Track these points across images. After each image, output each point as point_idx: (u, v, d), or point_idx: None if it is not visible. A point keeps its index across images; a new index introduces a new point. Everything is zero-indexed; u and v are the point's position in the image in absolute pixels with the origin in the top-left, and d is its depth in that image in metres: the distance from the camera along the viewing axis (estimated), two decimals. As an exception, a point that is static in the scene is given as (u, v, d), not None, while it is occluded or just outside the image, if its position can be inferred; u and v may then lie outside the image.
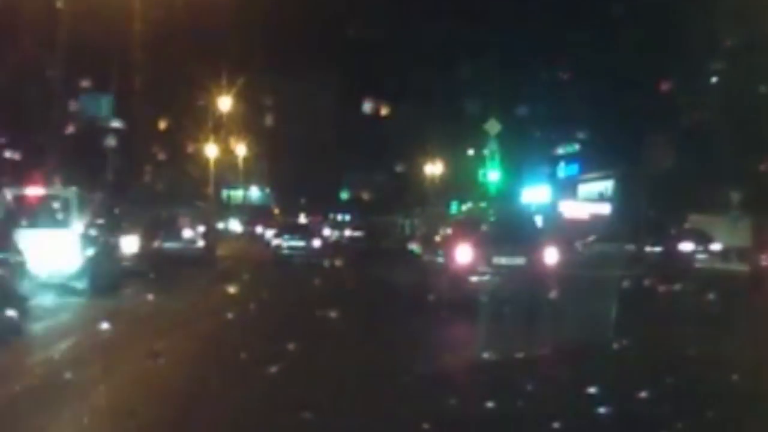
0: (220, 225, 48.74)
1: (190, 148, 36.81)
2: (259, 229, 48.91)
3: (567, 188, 43.81)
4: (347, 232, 44.87)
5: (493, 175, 32.18)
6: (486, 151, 32.87)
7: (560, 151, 47.10)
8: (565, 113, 40.44)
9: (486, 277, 13.68)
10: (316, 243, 31.90)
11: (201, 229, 23.48)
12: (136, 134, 27.54)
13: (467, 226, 16.10)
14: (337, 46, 47.31)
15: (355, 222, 51.45)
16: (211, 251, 24.53)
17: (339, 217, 58.57)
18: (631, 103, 34.96)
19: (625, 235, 30.57)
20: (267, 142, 56.30)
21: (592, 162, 42.29)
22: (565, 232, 34.17)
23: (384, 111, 40.51)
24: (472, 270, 13.73)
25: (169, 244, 21.51)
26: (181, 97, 33.29)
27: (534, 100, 38.89)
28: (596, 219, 35.57)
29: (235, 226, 53.20)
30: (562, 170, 46.78)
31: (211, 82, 40.81)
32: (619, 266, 23.08)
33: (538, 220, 39.43)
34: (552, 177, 46.57)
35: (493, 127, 31.05)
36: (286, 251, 29.60)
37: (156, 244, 20.25)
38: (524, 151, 42.52)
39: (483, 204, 44.84)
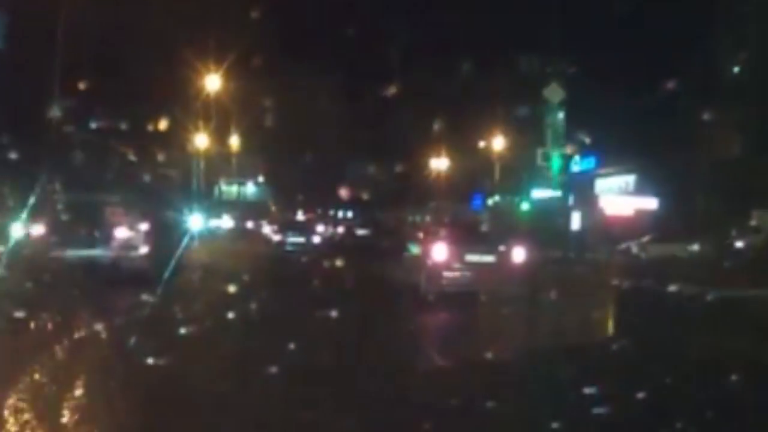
0: (215, 222, 44.19)
1: (154, 123, 28.53)
2: (249, 224, 46.70)
3: (583, 184, 39.03)
4: (340, 229, 44.17)
5: (559, 156, 25.89)
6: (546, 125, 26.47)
7: (573, 144, 42.29)
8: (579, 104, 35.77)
9: (459, 273, 14.78)
10: (316, 239, 33.97)
11: (144, 226, 15.41)
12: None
13: (445, 226, 18.81)
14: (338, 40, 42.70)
15: (359, 219, 47.82)
16: (161, 260, 16.35)
17: (340, 214, 54.53)
18: (654, 93, 29.77)
19: (685, 234, 25.37)
20: (262, 136, 52.22)
21: (610, 155, 37.73)
22: (608, 230, 29.14)
23: (391, 101, 38.58)
24: (447, 266, 14.89)
25: (82, 252, 12.99)
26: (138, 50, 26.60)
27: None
28: (642, 215, 30.22)
29: (227, 222, 48.31)
30: (577, 164, 42.02)
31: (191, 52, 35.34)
32: (701, 275, 17.65)
33: (576, 218, 34.99)
34: (565, 171, 41.83)
35: (554, 93, 24.81)
36: (289, 247, 31.09)
37: (55, 251, 11.53)
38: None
39: (507, 197, 40.37)
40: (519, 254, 15.18)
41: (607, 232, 27.88)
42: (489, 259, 14.87)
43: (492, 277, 14.24)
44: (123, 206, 15.81)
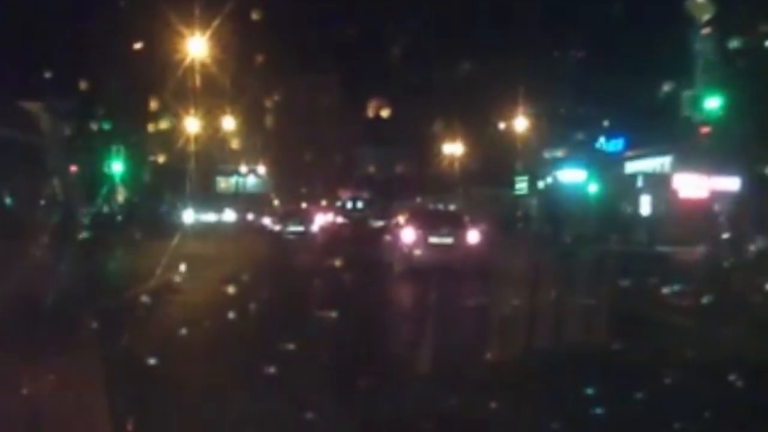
0: (212, 215, 42.96)
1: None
2: (250, 216, 47.31)
3: (610, 167, 36.79)
4: (339, 219, 45.63)
5: (712, 103, 19.56)
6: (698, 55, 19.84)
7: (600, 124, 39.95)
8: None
9: (424, 252, 17.68)
10: (314, 228, 35.72)
11: None
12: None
13: (414, 214, 21.58)
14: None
15: (370, 210, 45.16)
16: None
17: (349, 204, 50.70)
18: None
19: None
20: (264, 128, 48.79)
21: (641, 135, 34.40)
22: (684, 218, 24.03)
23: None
24: (415, 247, 17.87)
25: None
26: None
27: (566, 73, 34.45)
28: (719, 198, 25.04)
29: (229, 216, 46.94)
30: (603, 146, 39.91)
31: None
32: None
33: (646, 202, 30.19)
34: (591, 154, 39.24)
35: (701, 7, 18.30)
36: (288, 235, 33.31)
37: None
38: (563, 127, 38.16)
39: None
40: (473, 236, 18.06)
41: (686, 219, 22.76)
42: (448, 240, 17.68)
43: (451, 255, 17.09)
44: None
